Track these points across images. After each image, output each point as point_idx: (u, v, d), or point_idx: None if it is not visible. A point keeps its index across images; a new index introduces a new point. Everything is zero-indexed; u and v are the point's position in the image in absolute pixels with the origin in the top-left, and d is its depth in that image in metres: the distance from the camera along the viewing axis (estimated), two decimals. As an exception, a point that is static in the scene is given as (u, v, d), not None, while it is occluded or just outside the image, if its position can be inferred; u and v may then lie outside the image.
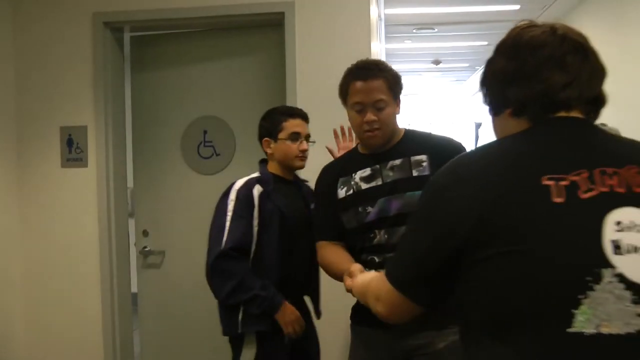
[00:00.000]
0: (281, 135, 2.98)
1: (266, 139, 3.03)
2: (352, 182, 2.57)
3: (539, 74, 1.34)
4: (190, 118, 4.20)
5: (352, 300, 2.45)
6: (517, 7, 7.44)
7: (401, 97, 2.59)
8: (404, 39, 9.44)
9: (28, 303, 4.08)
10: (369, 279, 1.77)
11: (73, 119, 4.02)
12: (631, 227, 1.20)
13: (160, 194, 4.26)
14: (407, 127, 2.69)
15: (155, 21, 4.02)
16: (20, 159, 4.06)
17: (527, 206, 1.22)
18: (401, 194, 2.47)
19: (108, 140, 4.02)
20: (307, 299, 3.12)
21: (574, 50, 1.35)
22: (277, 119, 3.01)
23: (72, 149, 4.02)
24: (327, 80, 3.79)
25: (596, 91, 1.38)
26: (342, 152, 3.00)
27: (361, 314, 2.57)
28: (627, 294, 1.17)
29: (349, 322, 2.69)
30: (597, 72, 1.38)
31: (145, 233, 4.28)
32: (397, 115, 2.56)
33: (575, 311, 1.17)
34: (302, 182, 3.18)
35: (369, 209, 2.51)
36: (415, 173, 2.49)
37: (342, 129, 3.21)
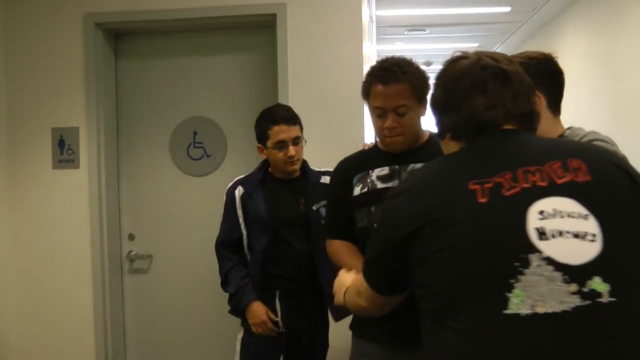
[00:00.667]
0: (269, 143, 3.04)
1: (259, 145, 3.12)
2: (368, 180, 2.50)
3: (464, 101, 1.54)
4: (180, 119, 4.17)
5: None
6: (508, 9, 7.48)
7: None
8: (396, 40, 9.47)
9: (20, 305, 4.06)
10: (352, 276, 2.00)
11: (65, 120, 4.01)
12: (554, 214, 1.35)
13: (147, 196, 4.22)
14: (431, 131, 2.56)
15: (147, 22, 4.01)
16: (12, 160, 4.04)
17: (456, 208, 1.40)
18: None
19: (100, 141, 4.01)
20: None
21: (494, 76, 1.53)
22: (263, 126, 3.06)
23: (64, 151, 4.01)
24: (319, 81, 3.82)
25: (527, 107, 1.56)
26: None
27: (362, 327, 2.56)
28: (558, 275, 1.30)
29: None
30: (522, 91, 1.56)
31: (131, 237, 4.24)
32: (422, 117, 2.49)
33: (509, 294, 1.29)
34: (310, 177, 3.16)
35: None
36: None
37: None
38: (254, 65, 4.12)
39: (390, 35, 8.95)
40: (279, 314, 3.08)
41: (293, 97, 3.81)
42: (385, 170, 2.49)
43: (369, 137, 3.28)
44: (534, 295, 1.28)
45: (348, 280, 1.97)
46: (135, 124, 4.23)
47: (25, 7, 4.02)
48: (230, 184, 3.19)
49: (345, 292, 1.94)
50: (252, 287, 3.07)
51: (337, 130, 3.75)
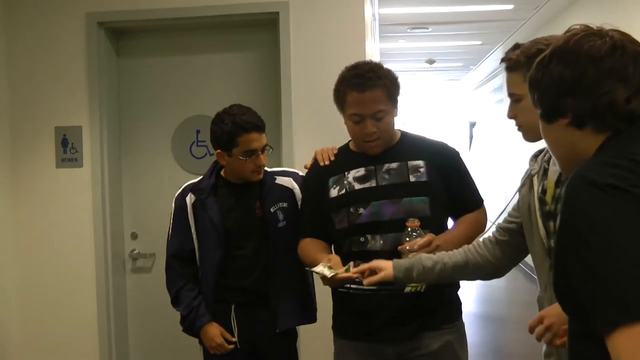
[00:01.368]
0: (236, 151, 2.80)
1: (219, 151, 2.86)
2: (345, 182, 2.51)
3: (599, 86, 1.36)
4: (182, 117, 4.18)
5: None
6: (510, 6, 7.47)
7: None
8: (398, 38, 9.46)
9: (23, 304, 4.07)
10: None
11: (68, 119, 4.01)
12: None
13: (149, 195, 4.22)
14: (401, 129, 2.66)
15: (149, 21, 4.02)
16: (15, 159, 4.05)
17: None
18: (398, 200, 2.43)
19: (103, 140, 4.01)
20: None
21: (634, 60, 1.37)
22: (232, 132, 2.78)
23: (67, 150, 4.01)
24: (322, 79, 3.80)
25: None
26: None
27: (345, 327, 2.61)
28: None
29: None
30: None
31: (134, 236, 4.25)
32: (395, 117, 2.54)
33: None
34: (266, 179, 2.93)
35: (361, 210, 2.47)
36: (412, 179, 2.47)
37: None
38: (256, 64, 4.12)
39: (393, 33, 8.94)
40: (235, 331, 2.90)
41: (295, 95, 3.81)
42: (360, 172, 2.53)
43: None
44: None
45: None
46: (138, 123, 4.23)
47: (27, 7, 4.02)
48: (179, 191, 2.99)
49: None
50: (205, 305, 2.88)
51: (339, 128, 3.73)
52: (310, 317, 2.99)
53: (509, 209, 2.27)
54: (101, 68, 4.01)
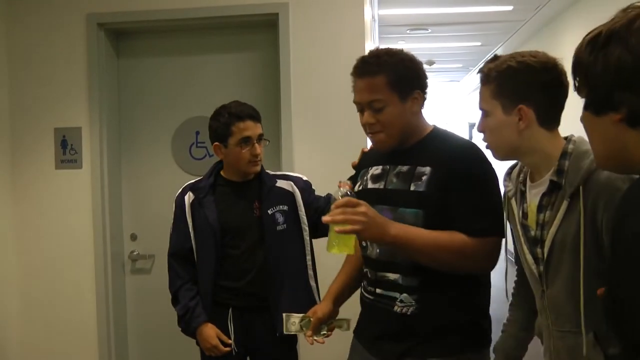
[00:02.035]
0: (231, 140, 2.84)
1: (216, 144, 2.90)
2: (365, 177, 2.36)
3: None
4: (182, 118, 4.18)
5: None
6: (510, 7, 7.47)
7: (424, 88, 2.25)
8: (398, 39, 9.45)
9: (23, 304, 4.07)
10: None
11: (67, 120, 4.01)
12: None
13: (149, 196, 4.22)
14: (436, 125, 2.32)
15: (149, 22, 4.02)
16: (15, 160, 4.05)
17: None
18: (395, 208, 2.18)
19: (102, 141, 4.01)
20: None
21: None
22: (226, 122, 2.84)
23: (67, 151, 4.01)
24: (321, 80, 3.81)
25: None
26: None
27: (358, 325, 2.47)
28: None
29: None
30: None
31: (133, 237, 4.24)
32: (414, 112, 2.22)
33: None
34: (266, 180, 2.94)
35: None
36: (412, 187, 2.17)
37: None
38: (256, 65, 4.11)
39: (393, 34, 8.94)
40: (232, 334, 2.90)
41: (295, 96, 3.81)
42: (378, 170, 2.32)
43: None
44: None
45: None
46: (138, 124, 4.23)
47: (28, 8, 4.02)
48: (179, 190, 3.02)
49: None
50: (202, 306, 2.89)
51: (339, 129, 3.74)
52: None
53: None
54: (101, 69, 4.01)
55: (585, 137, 1.52)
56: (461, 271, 2.14)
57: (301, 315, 2.48)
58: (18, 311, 4.07)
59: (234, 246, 2.90)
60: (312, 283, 2.96)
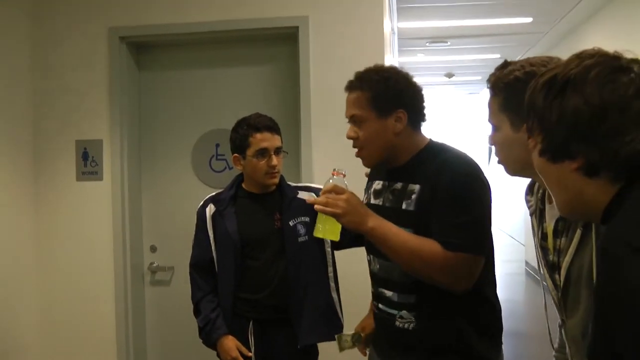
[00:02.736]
0: (249, 152, 2.85)
1: (235, 155, 2.93)
2: (370, 191, 2.41)
3: (622, 134, 1.16)
4: (202, 131, 4.20)
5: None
6: (529, 19, 7.45)
7: (409, 109, 2.23)
8: (417, 52, 9.46)
9: (42, 315, 4.09)
10: None
11: (89, 133, 4.05)
12: None
13: (169, 208, 4.24)
14: (431, 139, 2.31)
15: (170, 35, 4.05)
16: (36, 172, 4.09)
17: None
18: None
19: (123, 154, 4.04)
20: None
21: None
22: (244, 133, 2.86)
23: (88, 163, 4.04)
24: (341, 92, 3.79)
25: None
26: None
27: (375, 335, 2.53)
28: None
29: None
30: None
31: (153, 249, 4.26)
32: (397, 131, 2.21)
33: None
34: (287, 191, 2.95)
35: None
36: (404, 206, 2.18)
37: None
38: (276, 77, 4.13)
39: (412, 47, 8.94)
40: (252, 347, 2.87)
41: (315, 108, 3.82)
42: (379, 185, 2.35)
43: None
44: None
45: None
46: (158, 136, 4.25)
47: (51, 22, 4.07)
48: (201, 202, 3.03)
49: None
50: (223, 318, 2.89)
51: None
52: (334, 334, 2.88)
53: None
54: (122, 82, 4.04)
55: None
56: (432, 282, 2.11)
57: (352, 333, 2.62)
58: (37, 321, 4.09)
59: (254, 257, 2.90)
60: (334, 295, 2.95)
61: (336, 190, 2.14)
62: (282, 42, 4.08)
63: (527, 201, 1.91)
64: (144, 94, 4.27)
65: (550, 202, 1.76)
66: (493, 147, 1.85)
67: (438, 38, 8.50)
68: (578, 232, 1.61)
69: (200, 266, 2.99)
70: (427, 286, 2.13)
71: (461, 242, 2.05)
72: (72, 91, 4.06)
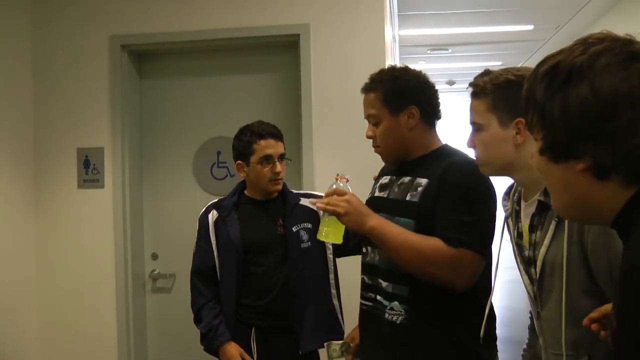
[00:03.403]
0: (253, 158, 2.87)
1: (239, 162, 2.94)
2: (376, 185, 2.47)
3: (635, 133, 1.02)
4: (203, 138, 4.20)
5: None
6: (531, 27, 7.46)
7: (425, 106, 2.31)
8: (418, 59, 9.47)
9: (44, 323, 4.09)
10: None
11: (90, 140, 4.05)
12: None
13: (170, 216, 4.24)
14: (445, 143, 2.39)
15: (171, 43, 4.06)
16: (37, 179, 4.09)
17: None
18: (392, 216, 2.24)
19: (125, 161, 4.04)
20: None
21: None
22: (248, 140, 2.88)
23: (89, 170, 4.04)
24: (342, 100, 3.82)
25: None
26: None
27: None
28: None
29: None
30: None
31: (154, 256, 4.25)
32: (410, 126, 2.28)
33: None
34: (290, 198, 2.98)
35: None
36: (408, 197, 2.24)
37: None
38: (277, 85, 4.14)
39: (413, 54, 8.96)
40: (255, 354, 2.87)
41: (316, 116, 3.82)
42: (386, 180, 2.42)
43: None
44: None
45: None
46: (159, 144, 4.26)
47: (53, 31, 4.08)
48: (203, 209, 3.03)
49: None
50: (225, 325, 2.87)
51: (360, 149, 3.73)
52: (335, 340, 2.89)
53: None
54: (124, 90, 4.05)
55: None
56: (432, 280, 2.12)
57: (341, 342, 2.69)
58: (38, 329, 4.08)
59: (256, 263, 2.90)
60: (335, 302, 2.95)
61: (338, 192, 2.20)
62: (284, 50, 4.08)
63: (504, 206, 1.99)
64: (145, 101, 4.27)
65: (526, 201, 1.86)
66: (473, 149, 1.93)
67: (439, 46, 8.52)
68: (553, 224, 1.72)
69: (202, 273, 2.98)
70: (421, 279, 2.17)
71: (465, 239, 2.08)
72: (73, 99, 4.06)
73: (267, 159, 2.86)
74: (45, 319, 4.09)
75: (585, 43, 1.09)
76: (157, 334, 4.26)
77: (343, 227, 2.23)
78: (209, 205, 3.04)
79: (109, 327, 4.01)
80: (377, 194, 2.42)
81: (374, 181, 2.59)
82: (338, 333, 2.91)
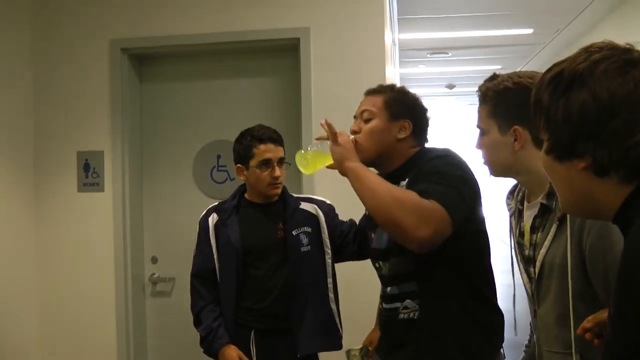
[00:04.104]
0: (252, 162, 2.89)
1: (239, 165, 2.96)
2: None
3: (632, 134, 1.10)
4: (203, 142, 4.20)
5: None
6: (530, 31, 7.48)
7: (417, 122, 2.35)
8: (418, 63, 9.49)
9: (43, 326, 4.08)
10: None
11: (90, 144, 4.05)
12: None
13: (170, 219, 4.24)
14: (425, 146, 2.41)
15: (171, 47, 4.06)
16: (37, 183, 4.09)
17: None
18: None
19: (125, 165, 4.04)
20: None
21: None
22: (248, 144, 2.90)
23: (89, 174, 4.05)
24: (342, 104, 3.81)
25: None
26: None
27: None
28: None
29: None
30: None
31: (154, 260, 4.25)
32: (399, 138, 2.32)
33: None
34: (290, 202, 2.99)
35: (372, 235, 2.42)
36: None
37: None
38: (277, 89, 4.14)
39: (413, 58, 8.97)
40: (254, 357, 2.88)
41: (316, 120, 3.82)
42: None
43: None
44: None
45: None
46: (159, 148, 4.26)
47: (53, 35, 4.09)
48: (203, 212, 3.05)
49: None
50: (224, 327, 2.88)
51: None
52: (333, 344, 2.94)
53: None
54: (124, 93, 4.05)
55: None
56: (395, 228, 2.03)
57: (359, 347, 2.74)
58: (39, 332, 4.08)
59: (256, 266, 2.91)
60: (333, 306, 2.95)
61: (342, 133, 2.30)
62: (284, 54, 4.09)
63: (508, 204, 2.06)
64: (146, 105, 4.27)
65: (529, 202, 1.92)
66: (480, 151, 2.00)
67: (439, 49, 8.53)
68: (554, 226, 1.78)
69: (202, 276, 2.99)
70: (426, 272, 2.19)
71: (437, 195, 2.02)
72: (73, 103, 4.07)
73: (266, 163, 2.88)
74: (46, 322, 4.09)
75: (587, 51, 1.18)
76: (157, 338, 4.25)
77: (321, 163, 2.35)
78: (209, 209, 3.05)
79: (109, 330, 4.01)
80: None
81: None
82: (336, 337, 2.93)
